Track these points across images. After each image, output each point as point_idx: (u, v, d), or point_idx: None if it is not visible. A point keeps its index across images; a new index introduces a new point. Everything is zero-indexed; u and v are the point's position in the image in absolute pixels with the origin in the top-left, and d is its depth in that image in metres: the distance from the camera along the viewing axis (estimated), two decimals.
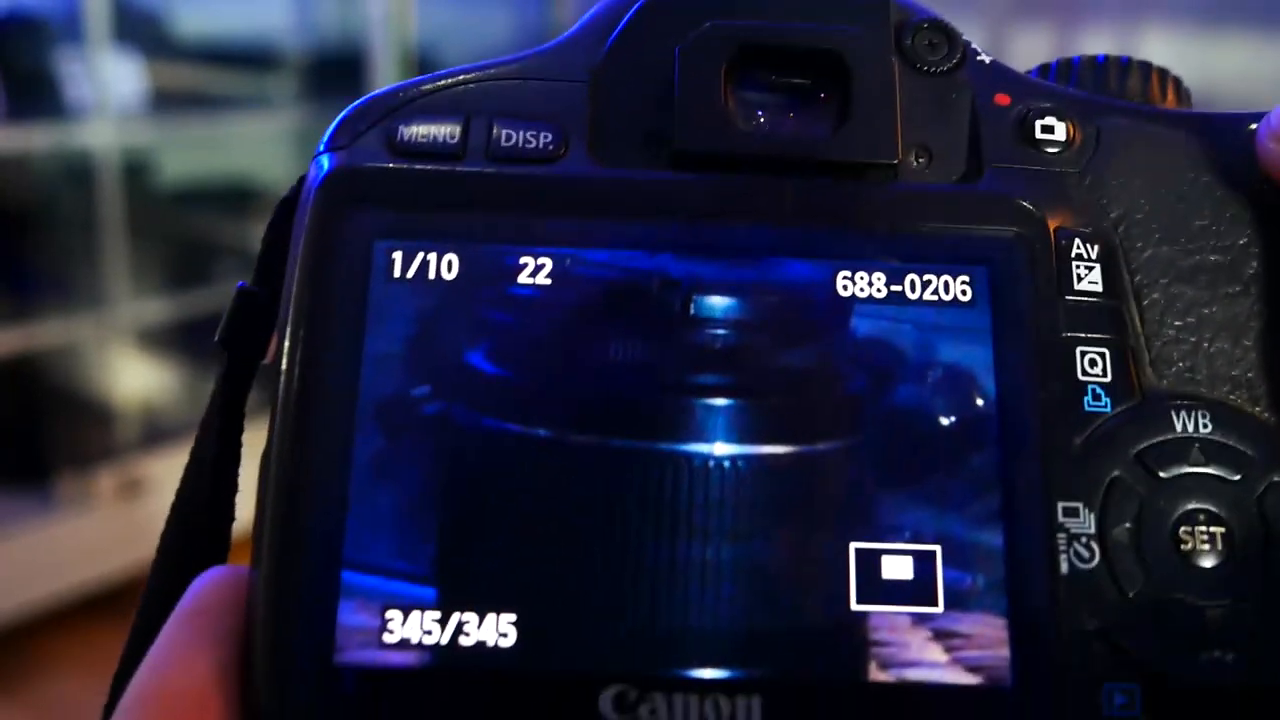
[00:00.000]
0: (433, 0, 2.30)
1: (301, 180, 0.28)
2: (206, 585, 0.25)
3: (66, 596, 1.79)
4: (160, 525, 0.29)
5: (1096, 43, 1.85)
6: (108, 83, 1.88)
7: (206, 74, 2.16)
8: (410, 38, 2.19)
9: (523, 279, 0.27)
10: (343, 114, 0.29)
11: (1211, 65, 1.75)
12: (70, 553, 1.80)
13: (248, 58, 2.21)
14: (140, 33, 2.02)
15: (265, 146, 2.30)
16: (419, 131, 0.28)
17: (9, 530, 1.76)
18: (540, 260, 0.27)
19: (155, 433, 2.00)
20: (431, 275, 0.27)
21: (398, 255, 0.27)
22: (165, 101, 2.04)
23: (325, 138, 0.28)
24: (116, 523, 1.85)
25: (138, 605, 0.29)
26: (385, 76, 2.14)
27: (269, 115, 2.24)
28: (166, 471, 1.91)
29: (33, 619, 1.76)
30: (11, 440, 1.89)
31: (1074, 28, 1.87)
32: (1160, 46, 1.81)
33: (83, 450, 1.89)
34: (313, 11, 2.34)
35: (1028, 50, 1.88)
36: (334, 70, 2.21)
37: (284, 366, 0.26)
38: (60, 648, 1.76)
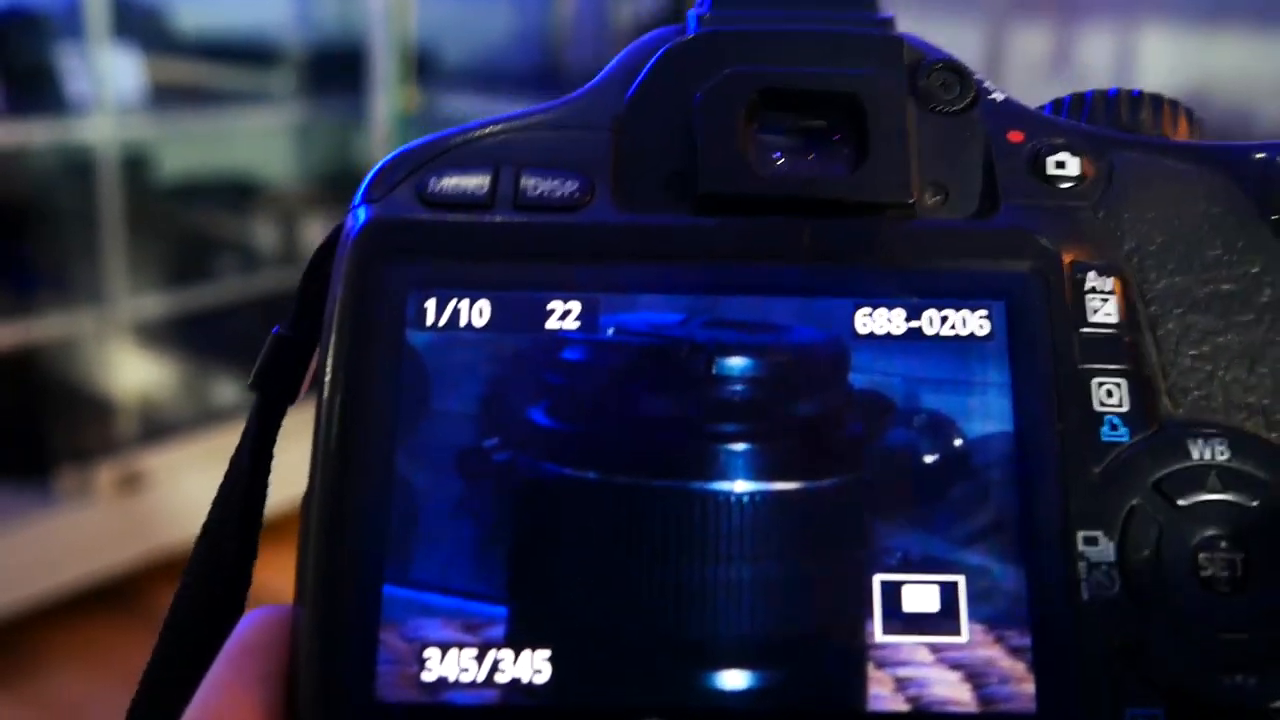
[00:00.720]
0: None
1: (338, 230, 0.29)
2: (252, 625, 0.26)
3: (65, 591, 1.80)
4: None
5: (1095, 43, 1.86)
6: (107, 78, 1.88)
7: (206, 69, 2.16)
8: (410, 33, 2.19)
9: (551, 324, 0.28)
10: (377, 167, 0.29)
11: (1208, 65, 1.76)
12: (69, 547, 1.80)
13: (247, 53, 2.21)
14: (140, 28, 2.02)
15: (264, 142, 2.30)
16: (449, 183, 0.29)
17: (8, 524, 1.77)
18: (569, 305, 0.28)
19: (154, 427, 2.00)
20: (464, 322, 0.27)
21: (431, 303, 0.27)
22: (165, 96, 2.05)
23: (361, 190, 0.29)
24: (116, 517, 1.85)
25: (159, 634, 0.30)
26: (385, 72, 2.14)
27: (268, 110, 2.24)
28: (165, 466, 1.92)
29: (32, 613, 1.77)
30: (11, 435, 1.89)
31: (1072, 28, 1.87)
32: (1158, 46, 1.81)
33: (82, 445, 1.89)
34: (312, 7, 2.34)
35: (1025, 50, 1.88)
36: (333, 66, 2.21)
37: (323, 412, 0.27)
38: (59, 642, 1.76)
